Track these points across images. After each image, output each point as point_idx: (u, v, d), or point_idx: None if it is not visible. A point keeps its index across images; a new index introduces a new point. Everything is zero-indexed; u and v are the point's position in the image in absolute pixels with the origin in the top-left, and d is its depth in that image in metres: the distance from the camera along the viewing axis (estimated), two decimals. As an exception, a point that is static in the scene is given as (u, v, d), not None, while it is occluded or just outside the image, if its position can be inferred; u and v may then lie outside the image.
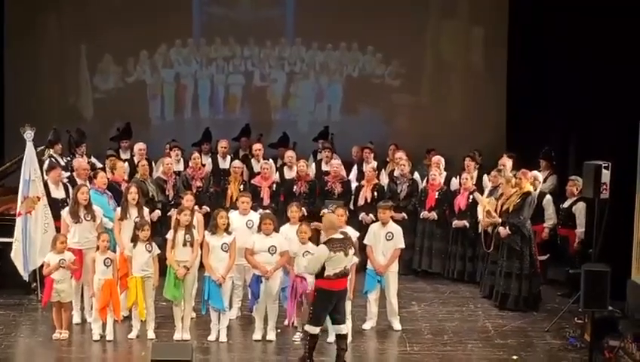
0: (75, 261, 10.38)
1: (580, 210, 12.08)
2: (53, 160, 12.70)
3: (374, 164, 13.70)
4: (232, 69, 16.35)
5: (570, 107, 13.60)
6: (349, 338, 10.14)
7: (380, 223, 10.84)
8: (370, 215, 12.59)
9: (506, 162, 12.86)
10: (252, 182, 13.25)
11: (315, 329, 9.40)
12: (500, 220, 11.62)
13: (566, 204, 12.34)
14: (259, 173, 13.39)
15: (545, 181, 13.27)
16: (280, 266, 10.25)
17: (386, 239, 10.72)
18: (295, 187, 13.17)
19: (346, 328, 9.64)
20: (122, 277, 10.38)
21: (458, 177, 13.10)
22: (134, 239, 10.27)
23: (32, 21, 15.88)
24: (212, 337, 10.29)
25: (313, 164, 14.25)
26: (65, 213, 10.79)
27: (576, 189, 12.07)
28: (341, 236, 9.47)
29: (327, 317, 10.06)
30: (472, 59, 16.19)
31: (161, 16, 15.95)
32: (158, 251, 10.37)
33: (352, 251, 9.50)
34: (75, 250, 10.49)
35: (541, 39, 14.55)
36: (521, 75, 15.19)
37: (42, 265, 10.60)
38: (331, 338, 10.19)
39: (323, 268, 9.29)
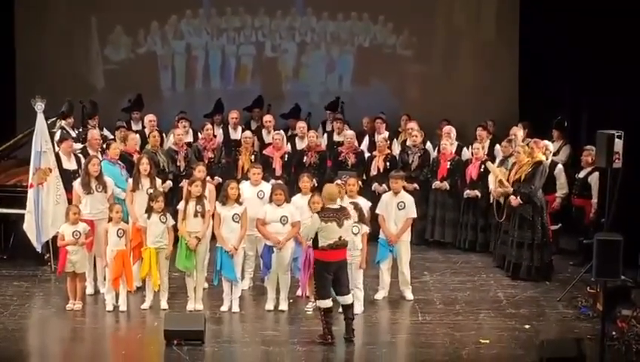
0: (88, 232, 10.43)
1: (595, 180, 11.99)
2: (64, 131, 12.71)
3: (386, 134, 13.66)
4: (242, 40, 16.28)
5: (583, 76, 13.49)
6: (362, 309, 10.21)
7: (392, 193, 10.82)
8: (383, 185, 12.57)
9: (517, 132, 12.81)
10: (264, 152, 13.25)
11: (327, 303, 9.37)
12: (512, 189, 11.59)
13: (582, 174, 12.26)
14: (269, 144, 13.38)
15: (558, 151, 13.22)
16: (291, 236, 10.25)
17: (397, 209, 10.70)
18: (305, 157, 13.15)
19: (351, 298, 9.56)
20: (135, 247, 10.41)
21: (470, 147, 13.05)
22: (148, 210, 10.28)
23: (42, -7, 15.89)
24: (224, 307, 10.33)
25: (325, 134, 14.22)
26: (76, 184, 10.81)
27: (592, 159, 11.96)
28: (337, 206, 9.45)
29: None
30: (483, 28, 16.06)
31: (171, -13, 15.94)
32: (173, 222, 10.38)
33: (348, 222, 9.44)
34: (86, 221, 10.52)
35: (554, 6, 14.40)
36: (534, 42, 15.05)
37: (55, 236, 10.67)
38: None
39: (318, 239, 9.29)
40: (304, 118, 14.64)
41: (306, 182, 10.67)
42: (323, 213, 9.34)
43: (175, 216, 10.41)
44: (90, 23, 16.05)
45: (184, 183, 11.52)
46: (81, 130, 13.32)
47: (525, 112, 15.05)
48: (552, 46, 14.53)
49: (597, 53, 12.75)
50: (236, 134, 13.88)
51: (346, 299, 9.50)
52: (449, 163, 12.98)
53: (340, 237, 9.33)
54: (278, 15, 16.19)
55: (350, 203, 10.21)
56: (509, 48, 15.76)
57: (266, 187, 10.87)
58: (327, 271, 9.34)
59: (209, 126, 13.44)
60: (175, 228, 10.41)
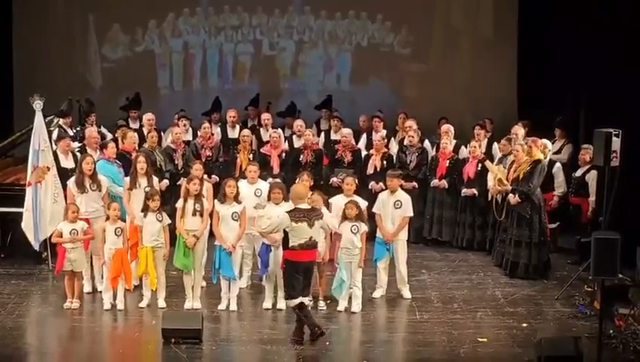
0: (87, 230, 10.43)
1: (592, 178, 12.01)
2: (62, 130, 12.71)
3: (383, 132, 13.66)
4: (240, 38, 16.29)
5: (582, 74, 13.49)
6: (360, 307, 10.24)
7: (389, 191, 10.82)
8: (380, 183, 12.57)
9: (518, 131, 12.81)
10: (262, 151, 13.25)
11: (295, 301, 9.33)
12: (511, 188, 11.59)
13: (579, 173, 12.29)
14: (268, 142, 13.39)
15: (560, 150, 13.25)
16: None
17: (394, 207, 10.70)
18: (301, 156, 13.15)
19: (309, 299, 9.47)
20: (132, 246, 10.41)
21: (468, 146, 13.04)
22: (145, 209, 10.27)
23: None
24: (222, 306, 10.33)
25: (322, 133, 14.22)
26: (71, 182, 10.80)
27: (589, 157, 11.98)
28: (308, 207, 9.40)
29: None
30: (481, 26, 16.07)
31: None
32: (169, 221, 10.38)
33: (319, 223, 9.37)
34: (81, 220, 10.50)
35: (553, 3, 14.41)
36: (533, 40, 15.05)
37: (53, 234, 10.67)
38: (341, 307, 10.24)
39: (288, 239, 9.29)
40: (298, 116, 14.62)
41: (305, 180, 10.67)
42: (293, 213, 9.31)
43: (174, 214, 10.41)
44: (88, 21, 16.08)
45: (182, 181, 11.52)
46: (78, 128, 13.33)
47: (524, 110, 15.04)
48: (551, 43, 14.53)
49: (596, 50, 12.75)
50: (234, 133, 13.87)
51: (306, 300, 9.40)
52: (448, 161, 12.98)
53: (311, 237, 9.31)
54: (276, 13, 16.22)
55: (350, 202, 10.24)
56: (507, 47, 15.77)
57: (264, 185, 10.88)
58: (297, 271, 9.31)
59: (206, 124, 13.44)
60: (173, 227, 10.41)
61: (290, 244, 9.29)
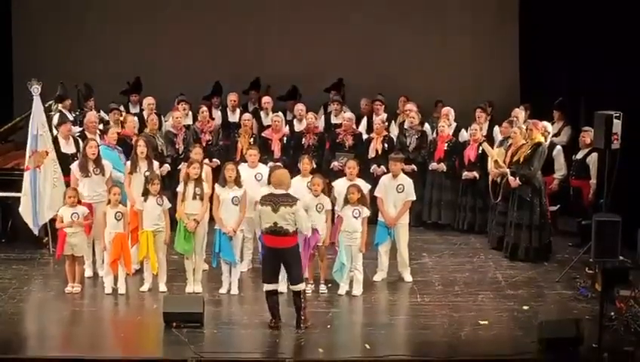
0: (88, 214, 10.42)
1: (594, 161, 11.98)
2: (63, 115, 12.67)
3: (384, 116, 13.64)
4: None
5: (583, 57, 13.44)
6: (361, 290, 10.27)
7: (391, 175, 10.82)
8: (382, 167, 12.56)
9: (519, 113, 12.79)
10: (263, 134, 13.23)
11: (267, 286, 9.34)
12: (507, 171, 11.59)
13: (579, 155, 12.26)
14: (268, 126, 13.36)
15: (559, 133, 13.22)
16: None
17: (397, 191, 10.71)
18: (304, 139, 13.14)
19: (300, 286, 9.38)
20: (133, 230, 10.41)
21: (469, 128, 13.01)
22: (145, 193, 10.27)
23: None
24: (223, 289, 10.35)
25: (323, 116, 14.20)
26: (74, 167, 10.81)
27: (589, 140, 11.95)
28: (281, 193, 9.27)
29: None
30: (483, 9, 15.97)
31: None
32: (169, 205, 10.38)
33: (285, 209, 9.14)
34: (84, 204, 10.51)
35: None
36: (534, 23, 14.99)
37: (54, 219, 10.66)
38: (342, 290, 10.25)
39: None
40: (300, 99, 14.57)
41: (306, 164, 10.68)
42: (265, 196, 9.33)
43: (174, 199, 10.40)
44: (89, 5, 15.97)
45: (183, 166, 11.51)
46: (78, 113, 13.31)
47: (526, 94, 15.00)
48: (553, 27, 14.46)
49: (598, 34, 12.70)
50: (234, 117, 13.86)
51: (295, 287, 9.37)
52: (446, 144, 12.96)
53: (276, 223, 9.16)
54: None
55: (352, 186, 10.22)
56: (508, 30, 15.68)
57: (264, 169, 10.88)
58: (269, 255, 9.31)
59: (204, 108, 13.42)
60: (173, 211, 10.41)
61: (260, 227, 9.36)
